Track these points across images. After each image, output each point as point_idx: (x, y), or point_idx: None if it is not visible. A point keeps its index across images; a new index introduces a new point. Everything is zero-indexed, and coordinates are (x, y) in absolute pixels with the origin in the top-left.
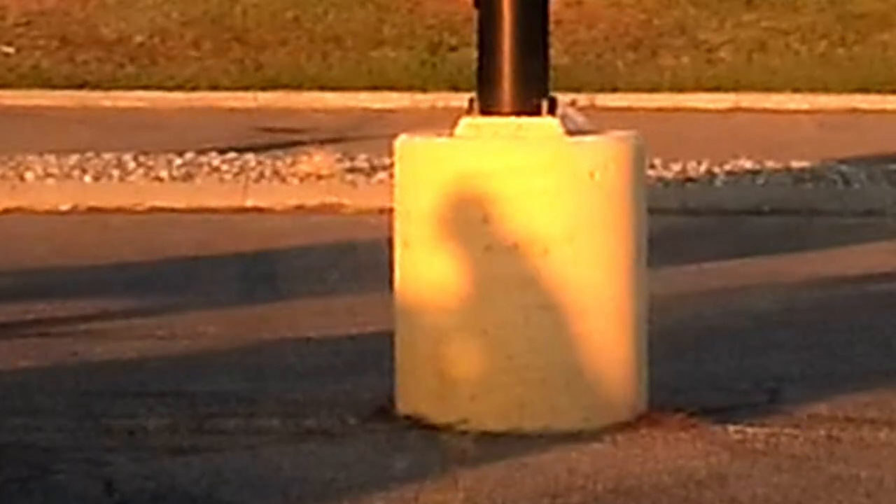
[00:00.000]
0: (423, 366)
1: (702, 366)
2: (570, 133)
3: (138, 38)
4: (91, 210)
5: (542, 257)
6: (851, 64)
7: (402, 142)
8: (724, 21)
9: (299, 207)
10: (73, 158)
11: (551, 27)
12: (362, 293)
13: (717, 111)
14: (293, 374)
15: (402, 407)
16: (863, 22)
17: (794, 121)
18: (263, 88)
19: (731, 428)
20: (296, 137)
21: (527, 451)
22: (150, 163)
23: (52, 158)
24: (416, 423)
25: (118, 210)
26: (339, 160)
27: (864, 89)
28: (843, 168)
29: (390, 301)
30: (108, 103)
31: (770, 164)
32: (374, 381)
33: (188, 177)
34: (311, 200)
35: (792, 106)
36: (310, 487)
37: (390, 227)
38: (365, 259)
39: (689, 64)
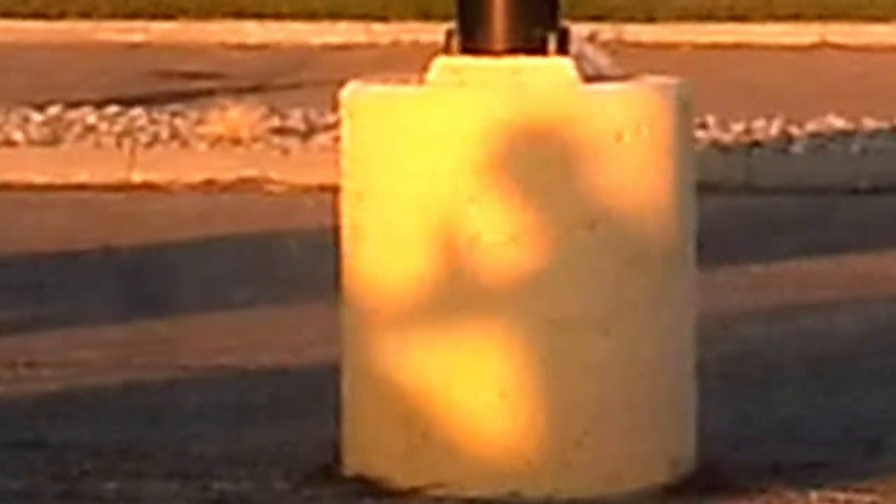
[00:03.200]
0: (382, 407)
1: (772, 407)
2: (589, 79)
3: None
4: None
5: (551, 252)
6: None
7: (352, 92)
8: None
9: (208, 183)
10: None
11: None
12: (294, 304)
13: (796, 48)
14: (198, 417)
15: (352, 464)
16: None
17: None
18: (156, 17)
19: (815, 494)
20: (203, 85)
21: None
22: None
23: None
24: (371, 487)
25: None
26: (264, 117)
27: None
28: None
29: (335, 316)
30: None
31: (869, 122)
32: (312, 428)
33: (52, 140)
34: (225, 173)
35: None
36: None
37: (335, 211)
38: (299, 256)
39: None
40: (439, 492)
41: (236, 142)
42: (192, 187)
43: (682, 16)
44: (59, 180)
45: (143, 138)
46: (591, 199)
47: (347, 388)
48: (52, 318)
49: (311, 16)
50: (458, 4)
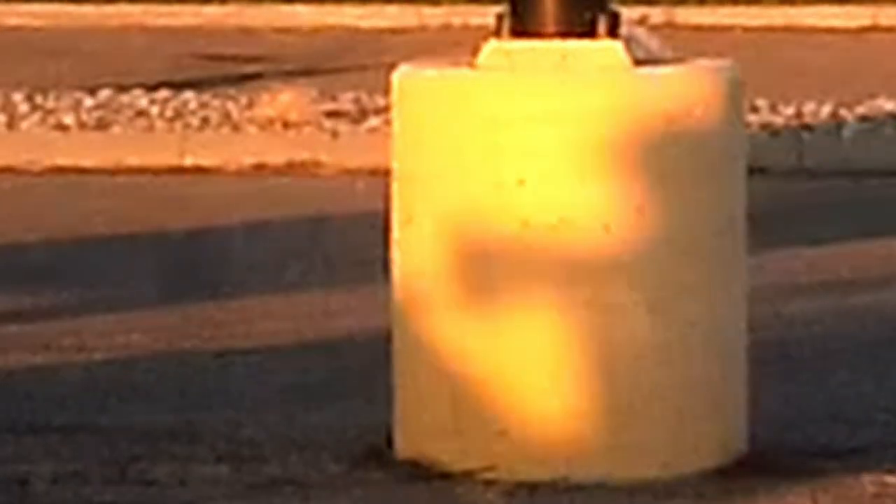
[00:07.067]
0: (433, 389)
1: (823, 389)
2: (639, 63)
3: None
4: None
5: (601, 236)
6: None
7: (403, 75)
8: None
9: (259, 167)
10: None
11: None
12: (345, 287)
13: (847, 31)
14: (249, 400)
15: (403, 447)
16: None
17: None
18: (208, 0)
19: (867, 477)
20: (254, 68)
21: None
22: (50, 104)
23: None
24: (423, 471)
25: (6, 170)
26: (315, 101)
27: None
28: None
29: (385, 299)
30: None
31: None
32: (363, 411)
33: (103, 124)
34: (276, 157)
35: None
36: None
37: (386, 195)
38: (349, 239)
39: None
40: (490, 475)
41: (287, 125)
42: (242, 171)
43: None
44: (110, 164)
45: (194, 122)
46: (640, 181)
47: (398, 372)
48: (103, 301)
49: (362, 0)
50: None
